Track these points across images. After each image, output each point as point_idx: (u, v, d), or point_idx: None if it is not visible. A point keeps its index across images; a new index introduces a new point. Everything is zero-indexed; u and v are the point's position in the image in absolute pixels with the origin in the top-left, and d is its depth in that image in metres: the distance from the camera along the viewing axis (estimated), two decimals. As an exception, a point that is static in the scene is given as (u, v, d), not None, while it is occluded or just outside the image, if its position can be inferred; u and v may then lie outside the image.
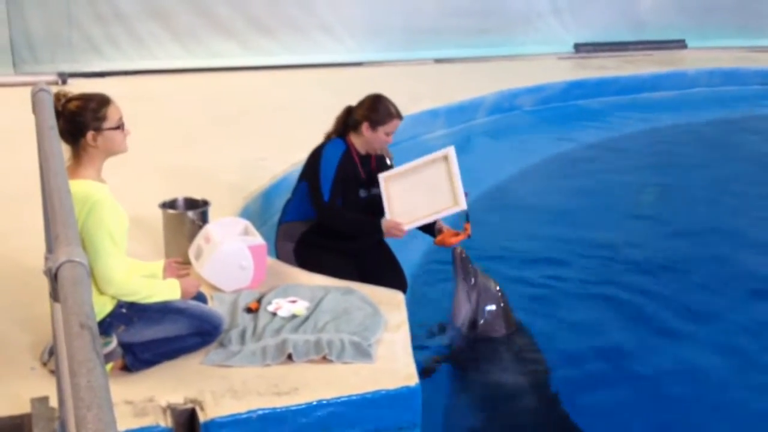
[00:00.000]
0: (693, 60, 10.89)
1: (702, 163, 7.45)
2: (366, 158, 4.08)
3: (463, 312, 3.98)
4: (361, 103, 4.05)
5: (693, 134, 8.40)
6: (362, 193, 4.06)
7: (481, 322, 3.96)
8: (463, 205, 3.86)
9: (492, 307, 3.99)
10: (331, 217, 3.98)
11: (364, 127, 3.98)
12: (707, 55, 11.11)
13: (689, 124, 8.77)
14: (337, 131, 4.09)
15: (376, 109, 3.98)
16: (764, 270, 5.15)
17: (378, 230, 3.96)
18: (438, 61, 10.19)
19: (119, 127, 2.91)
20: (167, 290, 3.04)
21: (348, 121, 4.05)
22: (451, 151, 3.92)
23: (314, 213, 4.02)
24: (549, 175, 7.07)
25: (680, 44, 11.55)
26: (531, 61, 10.47)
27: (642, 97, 9.61)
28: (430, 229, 4.08)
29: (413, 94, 8.09)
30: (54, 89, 2.90)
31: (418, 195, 3.94)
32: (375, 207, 4.03)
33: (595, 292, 4.74)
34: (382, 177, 4.00)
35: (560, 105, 9.06)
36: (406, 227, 3.93)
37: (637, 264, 5.17)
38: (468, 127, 8.08)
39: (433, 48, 10.20)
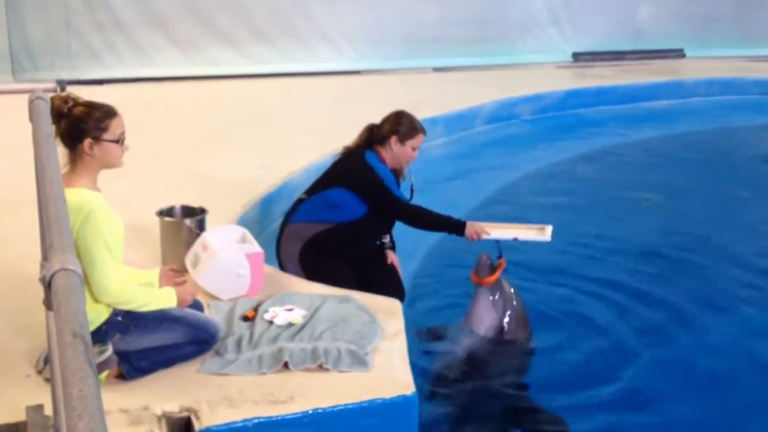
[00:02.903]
0: (691, 69, 10.92)
1: (700, 173, 7.45)
2: (392, 173, 4.14)
3: (488, 320, 3.97)
4: (386, 119, 4.15)
5: (691, 143, 8.41)
6: None
7: (506, 328, 3.97)
8: (548, 237, 4.04)
9: (515, 315, 4.01)
10: (415, 214, 4.07)
11: (393, 141, 4.06)
12: (706, 64, 11.13)
13: (688, 133, 8.78)
14: (360, 146, 4.13)
15: (401, 123, 4.09)
16: (764, 277, 5.16)
17: (461, 228, 4.02)
18: (437, 69, 10.21)
19: (119, 141, 2.92)
20: (163, 299, 3.04)
21: (372, 138, 4.11)
22: (549, 228, 4.13)
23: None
24: (547, 184, 7.07)
25: (679, 53, 11.58)
26: (530, 70, 10.50)
27: (640, 106, 9.63)
28: None
29: (412, 102, 8.06)
30: (58, 94, 2.92)
31: (506, 230, 4.11)
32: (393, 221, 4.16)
33: (593, 299, 4.73)
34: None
35: (558, 114, 9.08)
36: (490, 232, 4.01)
37: (636, 271, 5.16)
38: (466, 136, 8.09)
39: (432, 56, 10.22)
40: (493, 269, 3.95)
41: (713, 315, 4.61)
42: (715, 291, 4.91)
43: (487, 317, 3.97)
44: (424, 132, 4.12)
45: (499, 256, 3.98)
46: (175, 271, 3.31)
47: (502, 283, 4.00)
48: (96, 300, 2.88)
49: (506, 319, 3.98)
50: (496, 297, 3.97)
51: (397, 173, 4.18)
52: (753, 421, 3.70)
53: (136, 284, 3.03)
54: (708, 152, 8.12)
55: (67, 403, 1.19)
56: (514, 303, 4.03)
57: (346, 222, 4.07)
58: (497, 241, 4.00)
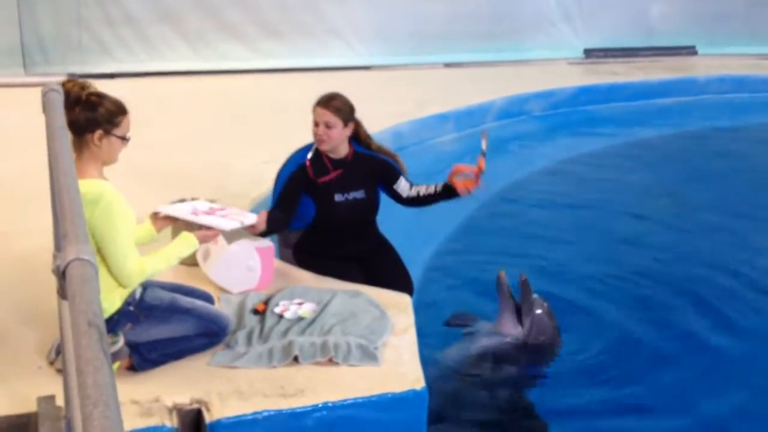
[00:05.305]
0: (703, 67, 10.86)
1: (711, 170, 7.42)
2: (340, 161, 3.91)
3: (511, 334, 3.93)
4: None
5: (702, 141, 8.38)
6: (338, 197, 3.91)
7: (529, 343, 3.93)
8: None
9: (544, 338, 3.95)
10: None
11: None
12: (717, 62, 11.07)
13: (699, 130, 8.74)
14: None
15: None
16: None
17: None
18: (448, 65, 10.19)
19: (124, 139, 2.95)
20: (183, 246, 3.06)
21: None
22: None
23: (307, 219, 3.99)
24: (557, 180, 7.06)
25: (690, 51, 11.53)
26: (541, 66, 10.46)
27: (651, 103, 9.59)
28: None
29: (422, 98, 8.10)
30: (76, 81, 2.93)
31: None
32: (356, 210, 3.95)
33: (600, 297, 4.71)
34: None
35: (569, 110, 9.05)
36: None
37: (646, 270, 5.13)
38: (477, 132, 8.05)
39: (442, 52, 10.20)
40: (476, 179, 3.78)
41: (728, 318, 4.55)
42: (728, 293, 4.84)
43: (510, 331, 3.93)
44: (318, 104, 3.85)
45: (482, 154, 3.79)
46: (156, 215, 3.24)
47: (534, 303, 3.91)
48: (113, 289, 2.90)
49: (533, 340, 3.91)
50: (527, 313, 3.90)
51: (325, 156, 3.92)
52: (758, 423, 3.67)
53: (149, 256, 2.98)
54: (720, 149, 8.08)
55: (82, 392, 1.19)
56: (547, 329, 3.94)
57: (311, 223, 3.97)
58: (483, 146, 3.80)
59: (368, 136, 4.02)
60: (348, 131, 3.87)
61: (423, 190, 3.99)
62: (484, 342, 3.95)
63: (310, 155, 3.92)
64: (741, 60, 11.30)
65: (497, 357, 3.90)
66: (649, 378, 3.96)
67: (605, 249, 5.49)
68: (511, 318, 3.94)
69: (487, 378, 3.84)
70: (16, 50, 8.44)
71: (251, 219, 3.47)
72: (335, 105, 3.83)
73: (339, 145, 3.88)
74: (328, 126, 3.80)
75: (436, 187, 3.95)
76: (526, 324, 3.91)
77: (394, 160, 4.05)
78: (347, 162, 3.93)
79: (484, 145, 3.78)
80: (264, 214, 3.61)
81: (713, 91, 10.07)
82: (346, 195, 3.91)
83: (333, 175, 3.90)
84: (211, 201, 3.57)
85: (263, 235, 3.71)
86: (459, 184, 3.82)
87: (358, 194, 3.94)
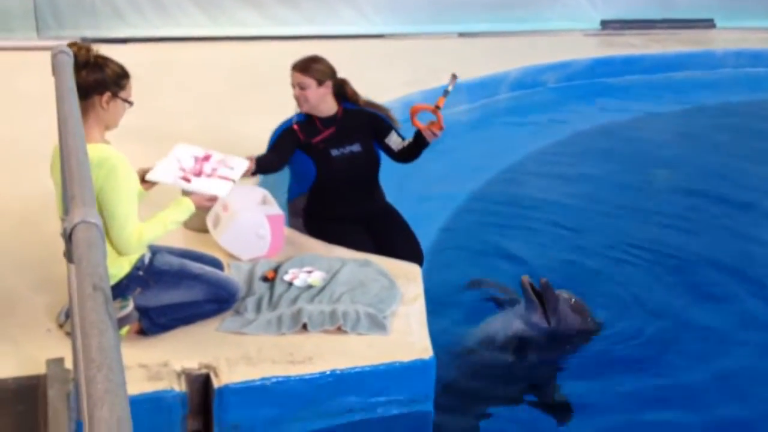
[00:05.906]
0: (721, 40, 10.70)
1: (727, 143, 7.34)
2: (330, 120, 4.01)
3: (539, 324, 3.87)
4: None
5: (719, 115, 8.28)
6: (334, 152, 3.99)
7: (556, 335, 3.88)
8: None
9: (572, 332, 3.90)
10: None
11: None
12: (735, 35, 10.90)
13: (715, 104, 8.64)
14: None
15: None
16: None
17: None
18: (462, 35, 10.08)
19: (128, 102, 2.94)
20: (180, 211, 3.02)
21: None
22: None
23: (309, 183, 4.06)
24: (571, 153, 7.00)
25: (709, 24, 11.35)
26: (556, 36, 10.33)
27: (668, 76, 9.46)
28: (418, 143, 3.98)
29: (435, 67, 8.00)
30: (82, 44, 2.92)
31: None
32: (354, 163, 4.02)
33: (613, 265, 4.68)
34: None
35: (585, 82, 8.94)
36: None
37: (659, 243, 5.09)
38: (490, 103, 8.00)
39: (457, 22, 10.08)
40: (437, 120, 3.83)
41: (736, 300, 4.48)
42: (742, 274, 4.74)
43: (540, 323, 3.86)
44: (293, 68, 3.98)
45: (445, 94, 3.85)
46: (142, 177, 3.20)
47: (557, 303, 3.84)
48: (119, 254, 2.89)
49: (560, 332, 3.86)
50: (553, 312, 3.83)
51: (314, 118, 4.01)
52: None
53: (147, 223, 2.96)
54: (736, 124, 7.99)
55: (86, 355, 1.18)
56: (572, 324, 3.88)
57: (313, 185, 4.04)
58: (449, 87, 3.88)
59: (356, 93, 4.12)
60: (324, 90, 3.96)
61: (406, 142, 4.08)
62: (509, 324, 3.87)
63: (296, 119, 4.03)
64: (759, 34, 11.11)
65: (521, 340, 3.83)
66: (678, 366, 3.87)
67: (620, 222, 5.44)
68: (538, 318, 3.85)
69: (506, 358, 3.78)
70: (29, 14, 8.39)
71: (240, 169, 3.36)
72: (308, 67, 3.96)
73: (319, 105, 3.98)
74: (301, 87, 3.94)
75: (413, 137, 4.03)
76: (553, 323, 3.84)
77: (385, 115, 4.13)
78: (338, 119, 4.03)
79: (450, 86, 3.88)
80: (252, 159, 3.69)
81: (731, 64, 9.93)
82: (342, 149, 4.01)
83: (326, 133, 4.00)
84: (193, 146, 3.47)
85: (253, 174, 3.83)
86: (423, 127, 3.90)
87: (354, 148, 4.03)
